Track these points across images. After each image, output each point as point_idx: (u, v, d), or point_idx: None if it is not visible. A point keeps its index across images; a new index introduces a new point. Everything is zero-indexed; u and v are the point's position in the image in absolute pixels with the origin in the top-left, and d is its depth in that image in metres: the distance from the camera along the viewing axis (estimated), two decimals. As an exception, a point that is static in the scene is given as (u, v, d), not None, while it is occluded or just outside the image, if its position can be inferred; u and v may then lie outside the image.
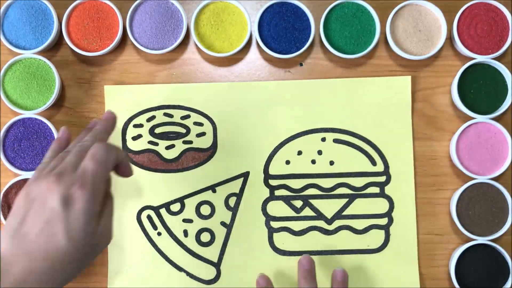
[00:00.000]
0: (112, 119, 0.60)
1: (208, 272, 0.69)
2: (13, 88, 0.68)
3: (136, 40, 0.69)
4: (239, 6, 0.69)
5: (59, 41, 0.71)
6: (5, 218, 0.67)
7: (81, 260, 0.48)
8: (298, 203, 0.69)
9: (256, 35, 0.69)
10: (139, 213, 0.70)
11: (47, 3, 0.69)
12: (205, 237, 0.69)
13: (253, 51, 0.71)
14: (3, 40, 0.68)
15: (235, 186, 0.69)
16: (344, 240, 0.69)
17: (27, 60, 0.68)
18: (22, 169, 0.68)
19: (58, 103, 0.71)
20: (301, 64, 0.71)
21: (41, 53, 0.69)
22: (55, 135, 0.68)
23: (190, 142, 0.70)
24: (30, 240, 0.46)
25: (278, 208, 0.69)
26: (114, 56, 0.71)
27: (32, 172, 0.67)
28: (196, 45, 0.70)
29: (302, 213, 0.69)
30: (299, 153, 0.70)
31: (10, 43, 0.69)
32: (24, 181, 0.67)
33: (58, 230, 0.46)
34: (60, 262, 0.46)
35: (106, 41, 0.69)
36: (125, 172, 0.55)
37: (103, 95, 0.71)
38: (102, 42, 0.69)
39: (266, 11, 0.69)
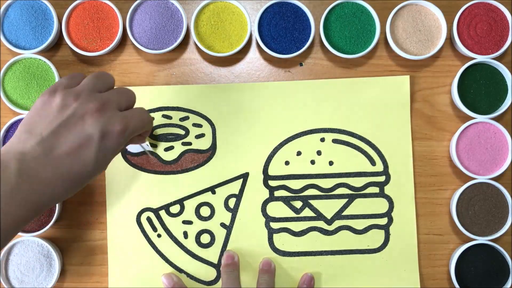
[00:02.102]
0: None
1: (208, 273, 0.69)
2: (13, 88, 0.68)
3: (136, 40, 0.69)
4: (239, 6, 0.69)
5: (59, 41, 0.71)
6: (5, 218, 0.67)
7: (85, 182, 0.52)
8: (297, 204, 0.69)
9: (256, 35, 0.69)
10: (139, 215, 0.70)
11: (47, 3, 0.69)
12: (205, 238, 0.69)
13: (253, 51, 0.71)
14: (3, 40, 0.68)
15: (234, 187, 0.69)
16: (344, 240, 0.69)
17: (27, 60, 0.68)
18: (22, 169, 0.68)
19: (58, 103, 0.71)
20: (301, 64, 0.71)
21: (41, 53, 0.69)
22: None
23: (189, 143, 0.70)
24: (59, 156, 0.49)
25: (277, 209, 0.69)
26: (114, 56, 0.71)
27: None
28: (196, 45, 0.70)
29: (302, 214, 0.69)
30: (298, 153, 0.70)
31: (10, 43, 0.69)
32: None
33: (89, 156, 0.50)
34: (81, 180, 0.51)
35: (106, 41, 0.69)
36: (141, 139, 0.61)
37: (103, 95, 0.71)
38: (102, 42, 0.69)
39: (266, 11, 0.69)
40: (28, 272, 0.67)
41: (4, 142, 0.68)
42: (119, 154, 0.70)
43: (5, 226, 0.47)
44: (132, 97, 0.56)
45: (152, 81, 0.71)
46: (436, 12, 0.69)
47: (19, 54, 0.68)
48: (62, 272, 0.69)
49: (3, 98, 0.68)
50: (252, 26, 0.70)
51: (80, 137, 0.50)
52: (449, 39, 0.70)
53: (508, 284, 0.66)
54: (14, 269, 0.67)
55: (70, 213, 0.70)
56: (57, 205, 0.67)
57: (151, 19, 0.69)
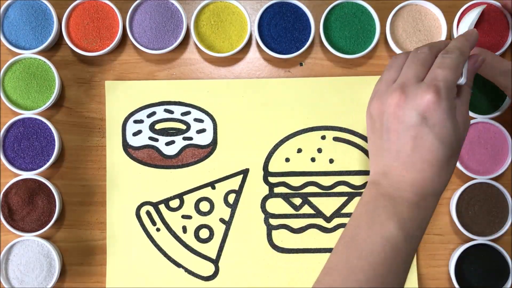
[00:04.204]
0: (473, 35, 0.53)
1: (206, 268, 0.69)
2: (13, 88, 0.68)
3: (136, 40, 0.69)
4: (239, 6, 0.69)
5: (59, 41, 0.71)
6: (5, 218, 0.67)
7: (456, 153, 0.49)
8: (297, 201, 0.69)
9: (256, 35, 0.69)
10: (138, 209, 0.70)
11: (47, 3, 0.69)
12: (204, 233, 0.70)
13: (253, 51, 0.71)
14: (3, 40, 0.68)
15: (234, 183, 0.70)
16: None
17: (27, 60, 0.68)
18: (22, 169, 0.68)
19: (58, 103, 0.71)
20: (301, 64, 0.71)
21: (41, 53, 0.69)
22: (55, 135, 0.67)
23: (190, 138, 0.70)
24: (407, 155, 0.47)
25: (277, 206, 0.69)
26: (114, 56, 0.71)
27: (32, 172, 0.67)
28: (196, 45, 0.70)
29: (301, 211, 0.69)
30: (299, 150, 0.70)
31: (10, 43, 0.69)
32: (24, 181, 0.67)
33: (430, 141, 0.47)
34: (440, 164, 0.47)
35: (106, 41, 0.69)
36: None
37: (103, 95, 0.71)
38: (102, 42, 0.69)
39: (266, 11, 0.69)
40: (28, 272, 0.67)
41: (4, 142, 0.68)
42: (121, 148, 0.70)
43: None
44: (427, 55, 0.50)
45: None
46: (436, 12, 0.69)
47: (19, 54, 0.68)
48: (62, 272, 0.69)
49: (3, 98, 0.68)
50: (252, 26, 0.70)
51: (409, 131, 0.47)
52: (449, 39, 0.70)
53: (508, 284, 0.66)
54: (14, 269, 0.67)
55: (70, 213, 0.70)
56: (57, 205, 0.67)
57: (151, 19, 0.69)
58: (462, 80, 0.49)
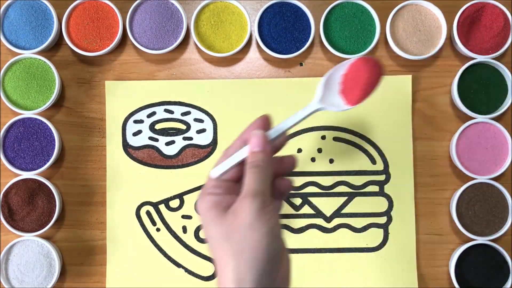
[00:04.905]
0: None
1: (206, 268, 0.69)
2: (13, 88, 0.68)
3: (136, 40, 0.69)
4: (239, 6, 0.69)
5: (59, 41, 0.71)
6: (5, 218, 0.67)
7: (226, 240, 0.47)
8: (297, 201, 0.69)
9: (256, 35, 0.69)
10: (138, 209, 0.70)
11: (47, 3, 0.69)
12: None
13: (253, 51, 0.71)
14: (3, 40, 0.68)
15: None
16: (342, 238, 0.69)
17: (27, 60, 0.68)
18: (22, 169, 0.68)
19: (58, 103, 0.71)
20: (301, 64, 0.71)
21: (41, 53, 0.69)
22: (55, 135, 0.67)
23: (190, 138, 0.70)
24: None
25: (277, 206, 0.69)
26: (114, 56, 0.71)
27: (32, 172, 0.67)
28: (196, 45, 0.70)
29: (301, 211, 0.69)
30: (299, 150, 0.70)
31: (10, 43, 0.69)
32: (24, 181, 0.67)
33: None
34: (214, 252, 0.47)
35: (106, 41, 0.69)
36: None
37: (103, 95, 0.71)
38: (102, 42, 0.69)
39: (266, 11, 0.69)
40: (28, 272, 0.67)
41: (4, 142, 0.68)
42: (121, 148, 0.70)
43: None
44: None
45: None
46: (436, 12, 0.69)
47: (19, 54, 0.68)
48: (62, 272, 0.69)
49: (3, 98, 0.68)
50: (252, 26, 0.70)
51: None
52: (449, 39, 0.70)
53: (508, 284, 0.66)
54: (14, 269, 0.67)
55: (70, 213, 0.70)
56: (57, 205, 0.67)
57: (151, 19, 0.69)
58: (212, 175, 0.49)
